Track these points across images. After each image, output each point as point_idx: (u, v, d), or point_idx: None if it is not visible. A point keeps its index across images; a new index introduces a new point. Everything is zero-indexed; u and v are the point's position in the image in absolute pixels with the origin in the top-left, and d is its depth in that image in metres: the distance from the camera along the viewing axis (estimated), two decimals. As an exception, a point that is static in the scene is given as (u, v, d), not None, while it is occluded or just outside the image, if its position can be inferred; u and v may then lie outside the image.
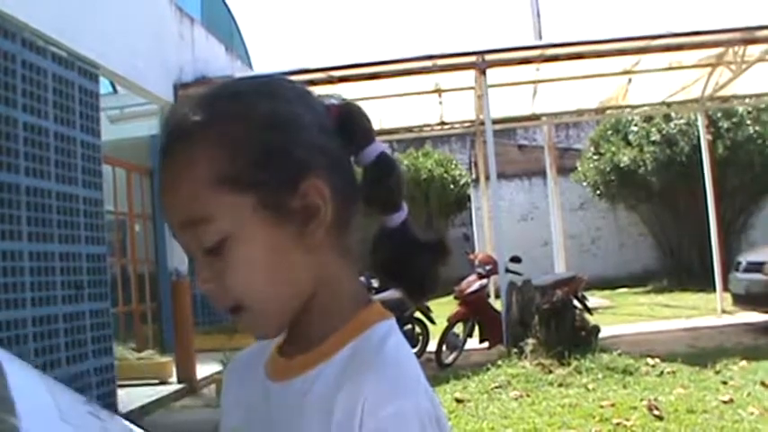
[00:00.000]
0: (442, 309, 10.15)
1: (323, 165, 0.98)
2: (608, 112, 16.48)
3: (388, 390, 0.90)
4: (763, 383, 7.26)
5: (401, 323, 10.21)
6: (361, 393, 0.90)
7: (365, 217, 1.04)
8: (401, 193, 1.05)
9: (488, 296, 11.65)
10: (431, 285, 1.06)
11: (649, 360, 8.55)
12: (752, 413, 6.22)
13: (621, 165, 19.13)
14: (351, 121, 1.03)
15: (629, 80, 13.47)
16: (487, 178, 13.85)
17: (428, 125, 15.53)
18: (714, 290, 13.60)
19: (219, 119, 0.96)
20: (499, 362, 8.84)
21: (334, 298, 1.01)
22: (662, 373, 8.10)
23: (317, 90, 1.07)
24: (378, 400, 0.89)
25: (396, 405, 0.89)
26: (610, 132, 20.20)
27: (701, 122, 14.45)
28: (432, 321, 10.63)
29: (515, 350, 9.11)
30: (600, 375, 8.01)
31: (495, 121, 11.64)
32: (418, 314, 10.45)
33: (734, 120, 18.27)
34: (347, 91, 10.39)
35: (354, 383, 0.91)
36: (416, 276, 1.05)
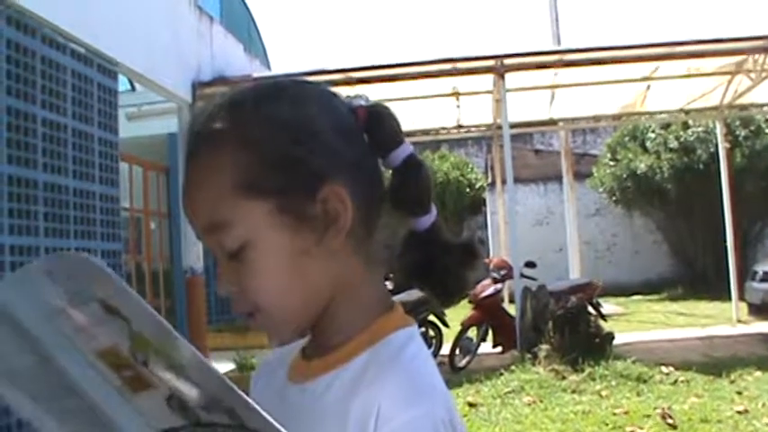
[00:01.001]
0: (456, 312, 10.13)
1: (344, 171, 0.97)
2: (625, 118, 16.43)
3: (402, 398, 0.89)
4: (777, 394, 7.22)
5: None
6: (375, 401, 0.89)
7: (394, 219, 1.03)
8: (430, 196, 1.04)
9: (503, 301, 11.61)
10: (459, 288, 1.05)
11: (663, 368, 8.52)
12: (766, 424, 6.19)
13: (638, 171, 19.07)
14: (378, 124, 1.02)
15: (648, 87, 13.42)
16: (503, 182, 13.85)
17: (445, 128, 15.51)
18: (729, 299, 13.54)
19: (242, 125, 0.96)
20: (512, 367, 8.83)
21: (355, 303, 1.01)
22: (676, 381, 8.07)
23: (338, 91, 1.07)
24: (391, 409, 0.88)
25: (409, 414, 0.88)
26: (627, 139, 20.14)
27: (719, 130, 14.39)
28: (445, 325, 10.61)
29: (529, 355, 9.10)
30: (613, 382, 7.99)
31: (512, 126, 11.64)
32: (432, 317, 10.44)
33: (752, 128, 18.19)
34: (365, 92, 10.37)
35: (369, 391, 0.91)
36: (445, 279, 1.04)
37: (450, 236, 1.05)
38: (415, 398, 0.89)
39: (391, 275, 1.07)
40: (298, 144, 0.95)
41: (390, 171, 1.03)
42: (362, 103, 1.04)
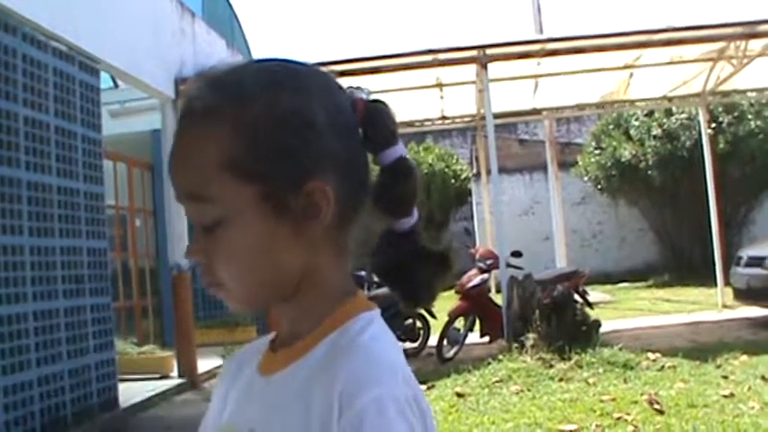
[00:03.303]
0: (443, 303, 10.13)
1: (333, 168, 0.97)
2: (609, 106, 16.47)
3: (362, 379, 0.90)
4: (763, 378, 7.26)
5: (401, 318, 10.25)
6: (335, 386, 0.91)
7: (373, 216, 1.04)
8: (413, 200, 1.04)
9: (489, 291, 11.63)
10: (427, 296, 1.06)
11: (650, 355, 8.55)
12: (752, 407, 6.23)
13: (623, 159, 19.12)
14: (375, 120, 1.02)
15: (631, 74, 13.46)
16: (488, 173, 13.86)
17: (429, 120, 15.53)
18: (715, 284, 13.60)
19: (242, 105, 0.97)
20: (500, 356, 8.85)
21: (321, 294, 1.02)
22: (663, 367, 8.11)
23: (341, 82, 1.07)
24: (353, 390, 0.89)
25: (371, 393, 0.89)
26: (611, 127, 20.18)
27: (702, 117, 14.45)
28: (433, 316, 10.63)
29: (516, 345, 9.11)
30: (600, 370, 8.02)
31: (496, 116, 11.64)
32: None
33: (735, 114, 18.26)
34: (348, 85, 10.35)
35: (329, 377, 0.92)
36: (414, 284, 1.05)
37: (428, 242, 1.05)
38: (374, 378, 0.91)
39: (374, 274, 1.08)
40: (293, 136, 0.96)
41: (379, 169, 1.03)
42: (363, 96, 1.04)
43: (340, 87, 1.04)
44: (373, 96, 1.05)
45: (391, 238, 1.04)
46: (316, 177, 0.96)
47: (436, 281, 1.05)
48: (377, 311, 1.03)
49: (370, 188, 1.03)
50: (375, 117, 1.02)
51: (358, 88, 1.05)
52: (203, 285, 1.01)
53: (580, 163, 21.08)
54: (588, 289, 11.74)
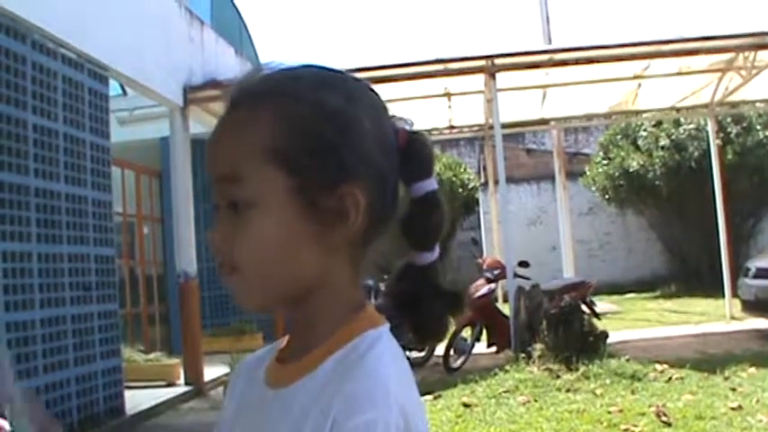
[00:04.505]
0: (450, 313, 10.11)
1: (370, 178, 0.99)
2: (617, 116, 16.45)
3: (357, 402, 0.91)
4: (772, 390, 7.23)
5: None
6: (332, 407, 0.91)
7: (394, 243, 1.06)
8: (438, 235, 1.06)
9: (496, 300, 11.62)
10: (436, 333, 1.08)
11: (658, 366, 8.52)
12: (761, 420, 6.20)
13: (630, 169, 19.07)
14: (415, 152, 1.04)
15: (639, 85, 13.44)
16: (496, 182, 13.84)
17: (437, 129, 15.51)
18: (723, 295, 13.55)
19: (294, 98, 0.99)
20: (507, 366, 8.82)
21: (332, 304, 1.02)
22: (670, 379, 8.07)
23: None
24: (346, 412, 0.90)
25: (362, 417, 0.89)
26: (619, 137, 20.14)
27: (710, 127, 14.41)
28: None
29: (523, 355, 9.09)
30: (608, 381, 7.99)
31: (504, 126, 11.64)
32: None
33: (743, 125, 18.21)
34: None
35: (330, 394, 0.93)
36: (425, 319, 1.07)
37: (444, 281, 1.07)
38: (366, 403, 0.91)
39: (389, 303, 1.09)
40: (338, 137, 0.98)
41: (409, 200, 1.05)
42: (406, 126, 1.06)
43: (386, 110, 1.06)
44: (423, 133, 1.07)
45: (410, 271, 1.06)
46: (350, 183, 0.98)
47: (446, 319, 1.07)
48: (386, 327, 1.03)
49: (396, 213, 1.04)
50: (416, 148, 1.04)
51: (401, 118, 1.08)
52: (218, 271, 1.01)
53: (588, 173, 21.03)
54: (595, 299, 11.72)
